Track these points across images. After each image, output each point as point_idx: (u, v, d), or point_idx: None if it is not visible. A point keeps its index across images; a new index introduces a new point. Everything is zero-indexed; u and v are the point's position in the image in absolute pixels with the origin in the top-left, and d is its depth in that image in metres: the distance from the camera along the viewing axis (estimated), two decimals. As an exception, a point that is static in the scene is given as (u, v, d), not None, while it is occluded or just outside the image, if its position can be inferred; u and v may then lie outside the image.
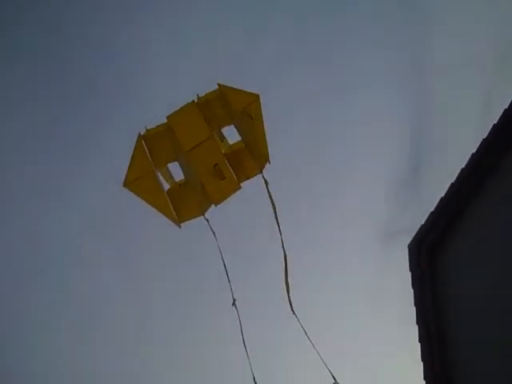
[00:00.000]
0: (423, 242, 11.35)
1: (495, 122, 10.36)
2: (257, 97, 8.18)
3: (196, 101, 8.32)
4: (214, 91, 8.36)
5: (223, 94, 8.19)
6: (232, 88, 8.25)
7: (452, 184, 11.09)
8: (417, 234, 11.40)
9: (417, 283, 11.27)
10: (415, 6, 18.89)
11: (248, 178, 8.61)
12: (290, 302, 8.50)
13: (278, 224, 8.24)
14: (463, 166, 10.93)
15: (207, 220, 8.54)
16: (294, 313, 8.47)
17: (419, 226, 11.53)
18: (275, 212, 8.19)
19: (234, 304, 8.42)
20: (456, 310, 10.96)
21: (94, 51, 19.35)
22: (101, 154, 19.59)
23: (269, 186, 8.26)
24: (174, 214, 8.39)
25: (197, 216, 8.44)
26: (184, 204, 8.56)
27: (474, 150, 10.66)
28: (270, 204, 8.25)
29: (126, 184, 7.88)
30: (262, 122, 8.27)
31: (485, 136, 10.59)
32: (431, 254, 11.36)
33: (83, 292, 20.42)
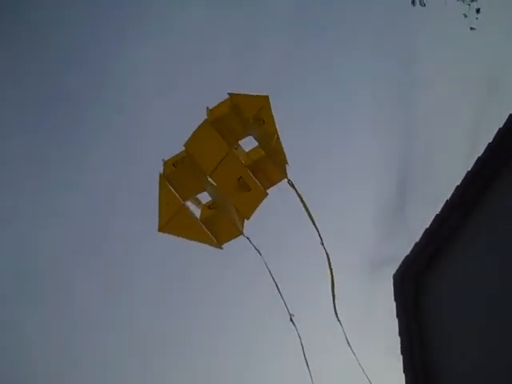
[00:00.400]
0: (408, 273, 11.42)
1: (479, 155, 10.52)
2: (266, 99, 8.04)
3: (207, 115, 8.16)
4: (224, 102, 8.18)
5: (235, 103, 8.06)
6: (242, 95, 8.11)
7: (437, 215, 11.22)
8: (401, 264, 11.48)
9: (401, 313, 11.30)
10: (403, 35, 19.22)
11: (274, 184, 8.49)
12: (335, 309, 8.47)
13: (316, 228, 8.15)
14: (448, 196, 11.08)
15: (248, 238, 8.45)
16: (338, 320, 8.50)
17: (405, 255, 11.61)
18: (310, 215, 8.11)
19: (291, 319, 8.32)
20: (441, 340, 11.00)
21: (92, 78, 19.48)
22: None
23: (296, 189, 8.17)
24: (214, 239, 8.23)
25: (236, 236, 8.26)
26: (221, 226, 8.37)
27: (459, 182, 10.81)
28: (300, 205, 8.17)
29: (160, 229, 7.72)
30: (275, 123, 8.18)
31: (470, 168, 10.75)
32: (416, 285, 11.43)
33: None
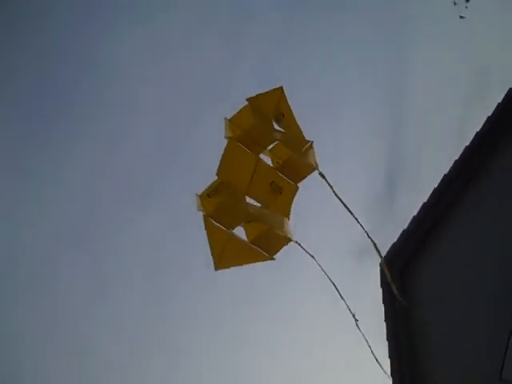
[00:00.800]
0: (395, 260, 11.52)
1: (467, 145, 10.63)
2: (280, 90, 7.96)
3: (227, 127, 7.92)
4: (243, 109, 7.99)
5: (254, 106, 7.93)
6: (258, 95, 7.99)
7: (424, 203, 11.34)
8: (388, 251, 11.57)
9: (387, 299, 11.42)
10: (391, 30, 19.25)
11: (304, 177, 8.43)
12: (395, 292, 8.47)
13: (354, 217, 8.14)
14: (436, 185, 11.20)
15: (298, 243, 8.42)
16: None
17: (392, 243, 11.71)
18: (345, 205, 8.08)
19: (356, 323, 8.36)
20: (426, 326, 11.13)
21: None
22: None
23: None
24: (266, 254, 8.10)
25: (286, 243, 8.16)
26: (270, 240, 8.23)
27: (446, 172, 10.94)
28: (332, 195, 8.11)
29: (217, 267, 7.63)
30: (292, 113, 8.12)
31: (457, 157, 10.87)
32: (402, 271, 11.53)
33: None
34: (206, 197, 8.01)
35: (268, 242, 7.99)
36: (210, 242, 7.66)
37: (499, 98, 10.58)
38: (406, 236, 11.44)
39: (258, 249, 7.85)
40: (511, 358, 9.96)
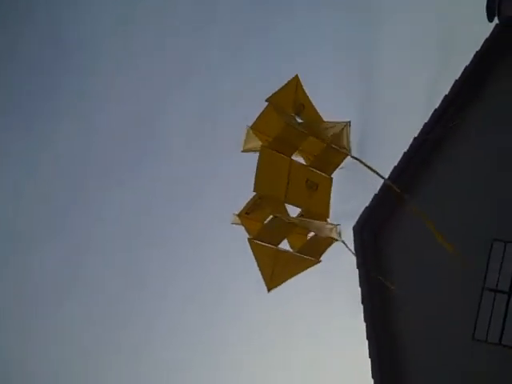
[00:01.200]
0: (367, 224, 11.54)
1: (433, 110, 10.64)
2: (296, 79, 7.60)
3: (250, 134, 7.51)
4: (265, 113, 7.55)
5: (275, 103, 7.46)
6: (276, 92, 7.57)
7: (395, 167, 11.34)
8: (361, 216, 11.58)
9: (361, 264, 11.47)
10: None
11: (337, 166, 8.13)
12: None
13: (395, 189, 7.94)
14: (406, 148, 11.21)
15: (343, 242, 8.48)
16: None
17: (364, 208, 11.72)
18: (380, 177, 7.84)
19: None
20: (400, 288, 11.23)
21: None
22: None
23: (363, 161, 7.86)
24: (313, 259, 7.88)
25: (332, 243, 7.96)
26: (316, 244, 7.98)
27: (416, 134, 10.95)
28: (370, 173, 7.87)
29: (270, 289, 7.35)
30: (310, 101, 7.80)
31: (426, 120, 10.87)
32: (375, 235, 11.56)
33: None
34: (246, 216, 7.66)
35: (314, 247, 7.74)
36: (258, 264, 7.33)
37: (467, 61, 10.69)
38: (378, 200, 11.46)
39: (305, 256, 7.60)
40: (483, 318, 10.15)
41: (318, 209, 7.56)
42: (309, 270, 7.92)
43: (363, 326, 11.25)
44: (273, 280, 7.27)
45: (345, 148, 7.60)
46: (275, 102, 7.41)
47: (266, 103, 7.40)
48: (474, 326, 10.14)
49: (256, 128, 7.63)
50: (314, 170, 7.65)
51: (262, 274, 7.43)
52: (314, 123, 7.70)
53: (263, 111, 7.56)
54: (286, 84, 7.71)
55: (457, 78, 11.09)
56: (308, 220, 7.52)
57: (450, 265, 10.31)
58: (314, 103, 7.63)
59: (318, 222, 7.64)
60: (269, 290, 7.43)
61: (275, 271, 7.30)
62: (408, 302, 11.07)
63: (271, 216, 7.50)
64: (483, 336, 10.11)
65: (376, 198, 11.53)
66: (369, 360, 11.17)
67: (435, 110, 10.90)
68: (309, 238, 7.88)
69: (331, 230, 7.82)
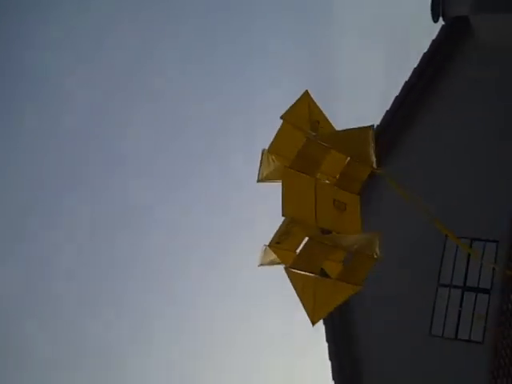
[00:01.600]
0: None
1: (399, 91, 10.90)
2: (307, 95, 7.11)
3: (267, 158, 7.00)
4: (281, 132, 7.01)
5: (291, 122, 6.89)
6: (289, 109, 7.05)
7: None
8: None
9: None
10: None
11: (363, 182, 7.51)
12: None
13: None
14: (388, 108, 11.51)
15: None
16: None
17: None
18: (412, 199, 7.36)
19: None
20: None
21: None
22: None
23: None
24: (356, 286, 7.18)
25: (372, 265, 7.30)
26: (356, 269, 7.31)
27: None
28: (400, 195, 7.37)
29: (314, 323, 6.73)
30: (325, 116, 7.31)
31: (388, 108, 11.16)
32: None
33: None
34: (277, 246, 7.14)
35: (354, 271, 7.17)
36: (300, 297, 6.76)
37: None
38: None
39: (345, 283, 7.01)
40: (439, 314, 10.37)
41: (349, 230, 6.95)
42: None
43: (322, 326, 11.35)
44: (316, 311, 6.64)
45: (370, 161, 7.11)
46: (290, 119, 6.89)
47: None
48: (430, 322, 10.35)
49: (274, 151, 6.98)
50: (340, 189, 7.14)
51: (303, 305, 6.70)
52: (333, 135, 7.17)
53: (279, 130, 7.00)
54: (297, 100, 7.11)
55: (406, 79, 11.39)
56: (345, 236, 6.99)
57: (405, 261, 10.53)
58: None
59: (354, 236, 7.12)
60: (313, 323, 6.70)
61: (317, 301, 6.69)
62: (366, 300, 11.21)
63: (305, 241, 6.92)
64: (439, 331, 10.33)
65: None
66: (329, 361, 11.26)
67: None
68: (347, 263, 7.28)
69: (370, 241, 7.26)
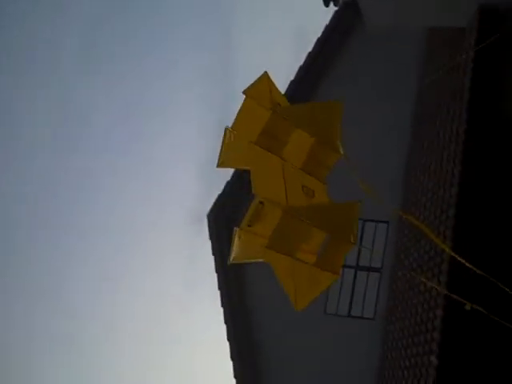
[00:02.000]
0: (221, 211, 11.63)
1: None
2: (266, 75, 6.55)
3: (230, 137, 6.33)
4: (242, 110, 6.42)
5: (251, 96, 6.29)
6: (252, 86, 6.45)
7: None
8: (215, 203, 11.66)
9: (217, 252, 11.57)
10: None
11: (330, 169, 6.77)
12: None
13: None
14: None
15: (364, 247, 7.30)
16: None
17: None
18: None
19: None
20: (256, 273, 11.47)
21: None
22: None
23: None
24: (333, 274, 6.41)
25: (347, 251, 6.60)
26: (332, 255, 6.55)
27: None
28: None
29: (298, 309, 5.92)
30: (285, 99, 6.73)
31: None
32: (230, 223, 11.69)
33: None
34: (247, 227, 6.27)
35: (329, 257, 6.60)
36: (281, 281, 6.16)
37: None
38: (231, 187, 11.61)
39: (321, 270, 6.45)
40: (333, 293, 10.70)
41: (316, 215, 6.51)
42: None
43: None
44: (298, 299, 6.17)
45: (335, 143, 6.56)
46: (252, 94, 6.40)
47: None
48: (325, 301, 10.67)
49: (237, 127, 6.74)
50: (307, 174, 6.62)
51: (285, 290, 6.25)
52: (297, 109, 6.71)
53: (241, 107, 6.49)
54: (257, 79, 6.71)
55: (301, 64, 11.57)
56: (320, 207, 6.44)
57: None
58: None
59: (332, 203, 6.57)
60: (297, 309, 6.18)
61: (298, 288, 6.19)
62: (263, 285, 11.35)
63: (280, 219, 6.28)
64: (334, 310, 10.67)
65: (229, 184, 11.66)
66: (227, 343, 11.34)
67: None
68: (321, 249, 6.65)
69: (348, 217, 6.81)
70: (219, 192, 11.66)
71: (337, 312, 10.69)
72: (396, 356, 8.96)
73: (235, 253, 5.93)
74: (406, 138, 10.86)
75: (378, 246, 10.50)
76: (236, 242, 5.83)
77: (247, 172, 11.71)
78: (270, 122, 6.00)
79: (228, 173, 11.65)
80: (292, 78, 11.58)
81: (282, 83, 11.55)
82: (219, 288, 11.58)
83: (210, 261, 11.69)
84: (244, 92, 6.13)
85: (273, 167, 6.16)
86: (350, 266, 10.68)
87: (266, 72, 6.47)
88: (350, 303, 10.66)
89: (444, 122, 8.76)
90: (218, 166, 6.74)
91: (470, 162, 7.46)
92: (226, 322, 11.39)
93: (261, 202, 6.06)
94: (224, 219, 11.53)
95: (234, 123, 6.20)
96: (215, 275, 11.60)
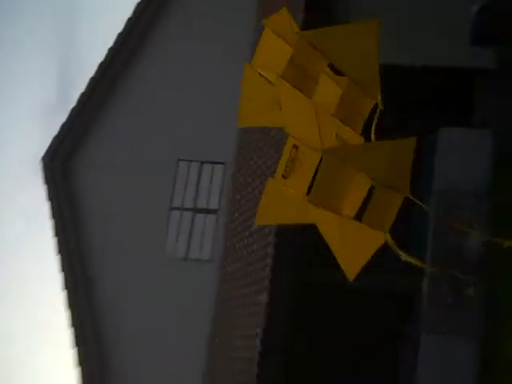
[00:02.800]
0: (56, 153, 11.24)
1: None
2: (285, 10, 5.20)
3: (249, 70, 4.82)
4: (263, 42, 4.86)
5: (272, 30, 4.89)
6: (272, 15, 5.02)
7: (82, 93, 11.20)
8: (50, 146, 11.23)
9: (53, 196, 11.19)
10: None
11: (365, 119, 5.27)
12: None
13: None
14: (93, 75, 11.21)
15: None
16: None
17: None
18: None
19: None
20: (95, 220, 11.30)
21: None
22: None
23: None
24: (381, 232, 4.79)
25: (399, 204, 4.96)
26: (380, 209, 4.93)
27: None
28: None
29: (352, 278, 4.40)
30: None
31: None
32: (65, 166, 11.34)
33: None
34: (283, 181, 4.76)
35: (378, 212, 5.04)
36: (332, 247, 4.79)
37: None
38: (66, 129, 11.25)
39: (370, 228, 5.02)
40: (172, 236, 10.89)
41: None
42: None
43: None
44: (350, 266, 4.93)
45: (376, 93, 5.45)
46: (273, 26, 5.10)
47: None
48: (164, 245, 10.80)
49: (258, 64, 5.42)
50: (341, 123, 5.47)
51: (335, 255, 4.86)
52: (330, 33, 5.33)
53: (261, 41, 5.17)
54: (278, 12, 5.38)
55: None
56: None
57: (137, 188, 10.76)
58: None
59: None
60: (351, 279, 4.84)
61: (348, 252, 4.89)
62: (100, 230, 11.23)
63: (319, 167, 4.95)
64: (171, 252, 10.85)
65: (64, 126, 11.29)
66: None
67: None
68: (370, 204, 5.17)
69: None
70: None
71: (175, 254, 10.85)
72: (232, 296, 9.35)
73: (264, 211, 5.13)
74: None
75: (215, 187, 10.81)
76: (266, 197, 4.99)
77: (82, 115, 11.36)
78: (298, 50, 5.06)
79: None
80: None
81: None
82: (56, 235, 11.27)
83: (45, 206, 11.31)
84: (263, 23, 4.97)
85: (304, 109, 5.16)
86: (187, 209, 10.85)
87: (285, 7, 5.35)
88: (188, 245, 10.86)
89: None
90: (240, 125, 5.81)
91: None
92: (62, 271, 11.15)
93: (295, 146, 5.25)
94: (59, 163, 11.18)
95: (255, 59, 5.24)
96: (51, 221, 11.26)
